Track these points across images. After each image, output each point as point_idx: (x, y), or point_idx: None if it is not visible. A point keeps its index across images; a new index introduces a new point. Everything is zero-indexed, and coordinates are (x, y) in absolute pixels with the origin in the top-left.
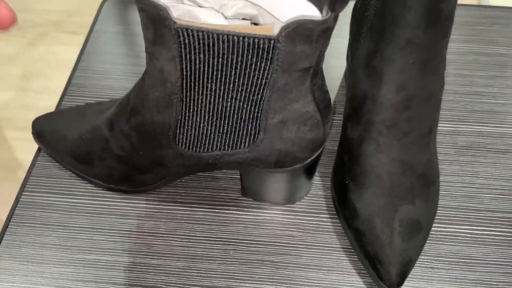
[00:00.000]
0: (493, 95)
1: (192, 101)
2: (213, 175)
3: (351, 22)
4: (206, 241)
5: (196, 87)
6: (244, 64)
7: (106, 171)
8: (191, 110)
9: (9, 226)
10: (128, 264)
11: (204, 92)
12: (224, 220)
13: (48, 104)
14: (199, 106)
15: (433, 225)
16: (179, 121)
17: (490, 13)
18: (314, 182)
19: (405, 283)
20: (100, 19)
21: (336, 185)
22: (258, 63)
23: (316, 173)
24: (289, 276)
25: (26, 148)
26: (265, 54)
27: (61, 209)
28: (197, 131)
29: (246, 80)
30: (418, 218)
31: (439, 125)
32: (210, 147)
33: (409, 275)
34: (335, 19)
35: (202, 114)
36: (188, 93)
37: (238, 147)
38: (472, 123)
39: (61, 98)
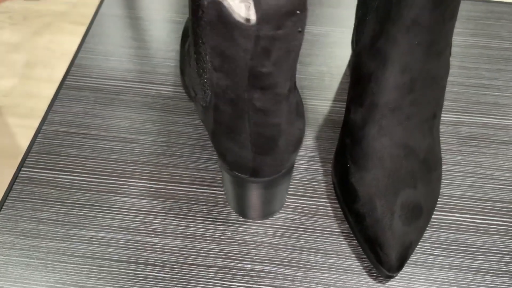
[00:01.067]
0: (497, 87)
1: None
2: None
3: (357, 6)
4: (204, 221)
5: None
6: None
7: None
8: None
9: (7, 201)
10: (125, 242)
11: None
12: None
13: (51, 92)
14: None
15: (435, 213)
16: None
17: (496, 8)
18: (314, 167)
19: (404, 268)
20: (105, 2)
21: (337, 169)
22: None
23: (317, 158)
24: (287, 258)
25: (28, 135)
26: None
27: (60, 186)
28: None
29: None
30: (419, 202)
31: (442, 115)
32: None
33: (408, 261)
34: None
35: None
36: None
37: (198, 101)
38: (476, 114)
39: (64, 78)
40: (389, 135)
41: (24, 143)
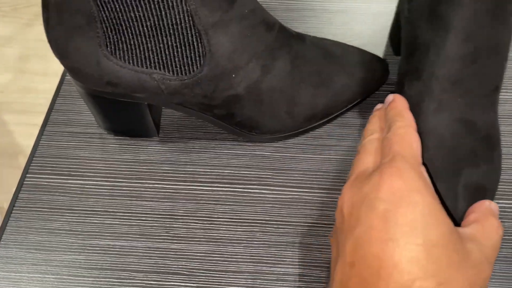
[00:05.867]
0: None
1: None
2: (234, 151)
3: None
4: (229, 223)
5: None
6: None
7: None
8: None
9: (13, 211)
10: (146, 250)
11: None
12: (248, 200)
13: (48, 86)
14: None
15: None
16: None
17: None
18: (349, 158)
19: None
20: None
21: None
22: None
23: (352, 148)
24: (324, 259)
25: (26, 132)
26: None
27: (69, 192)
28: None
29: None
30: (484, 183)
31: None
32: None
33: None
34: None
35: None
36: None
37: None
38: None
39: (64, 73)
40: (449, 110)
41: (24, 141)
